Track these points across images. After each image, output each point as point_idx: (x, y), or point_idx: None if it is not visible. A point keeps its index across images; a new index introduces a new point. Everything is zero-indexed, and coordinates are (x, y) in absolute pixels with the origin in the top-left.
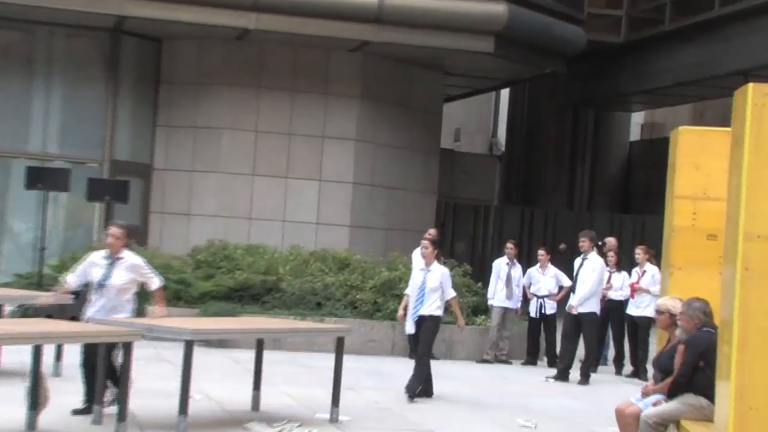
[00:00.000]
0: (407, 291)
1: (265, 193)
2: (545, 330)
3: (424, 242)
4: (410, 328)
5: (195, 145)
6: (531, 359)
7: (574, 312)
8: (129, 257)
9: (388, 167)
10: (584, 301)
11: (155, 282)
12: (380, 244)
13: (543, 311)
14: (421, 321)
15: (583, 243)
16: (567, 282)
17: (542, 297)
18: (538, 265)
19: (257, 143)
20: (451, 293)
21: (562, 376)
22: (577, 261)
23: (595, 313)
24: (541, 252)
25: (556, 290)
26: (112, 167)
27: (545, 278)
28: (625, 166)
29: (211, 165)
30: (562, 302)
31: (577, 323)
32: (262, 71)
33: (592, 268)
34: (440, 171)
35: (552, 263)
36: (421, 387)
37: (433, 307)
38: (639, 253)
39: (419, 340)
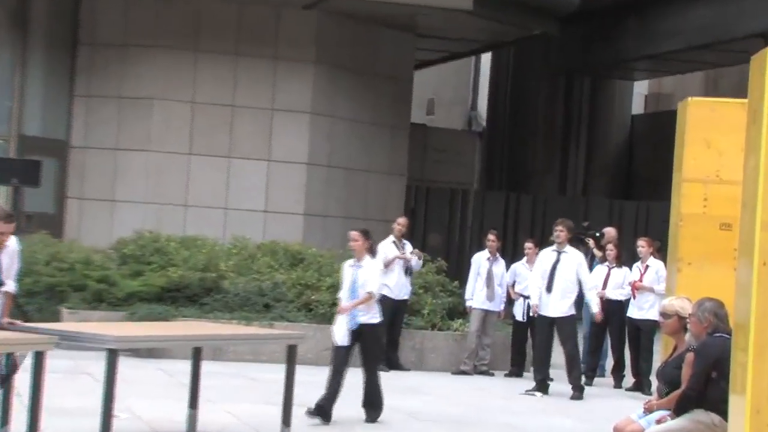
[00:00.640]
0: (341, 294)
1: (204, 176)
2: (533, 336)
3: (353, 234)
4: (342, 338)
5: (120, 118)
6: (516, 370)
7: (598, 319)
8: (12, 243)
9: (348, 145)
10: (569, 305)
11: (12, 285)
12: (339, 235)
13: (530, 314)
14: (361, 331)
15: (560, 233)
16: None
17: (529, 297)
18: (525, 259)
19: (194, 117)
20: (371, 287)
21: (542, 387)
22: (547, 253)
23: (574, 316)
24: (528, 245)
25: None
26: (21, 144)
27: (533, 275)
28: (627, 144)
29: (139, 142)
30: None
31: (551, 328)
32: (200, 32)
33: (576, 263)
34: (410, 149)
35: None
36: (320, 406)
37: (370, 314)
38: (642, 245)
39: (362, 357)
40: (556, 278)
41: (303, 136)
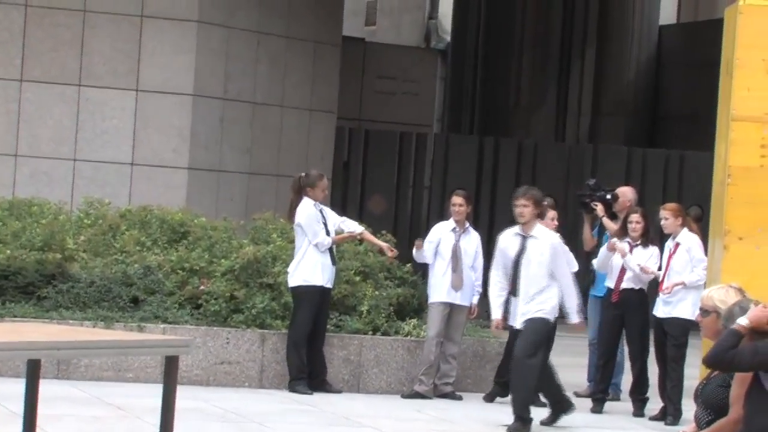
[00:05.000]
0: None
1: (43, 112)
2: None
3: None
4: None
5: None
6: (501, 390)
7: (578, 328)
8: None
9: (252, 69)
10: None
11: None
12: (240, 198)
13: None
14: None
15: (524, 209)
16: (574, 264)
17: None
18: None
19: (28, 27)
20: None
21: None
22: (508, 238)
23: (546, 321)
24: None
25: None
26: None
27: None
28: (652, 68)
29: None
30: None
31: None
32: None
33: (549, 251)
34: (342, 75)
35: None
36: None
37: None
38: (665, 216)
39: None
40: (522, 275)
41: (187, 57)
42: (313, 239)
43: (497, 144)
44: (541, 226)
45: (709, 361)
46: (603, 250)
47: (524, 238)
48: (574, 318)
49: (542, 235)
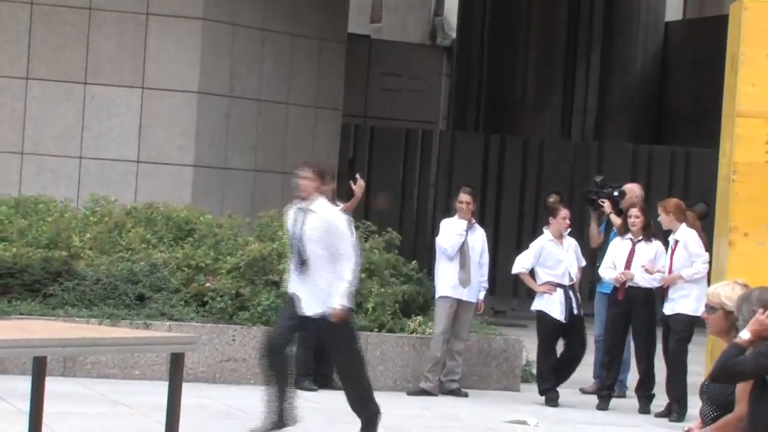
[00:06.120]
0: None
1: (49, 110)
2: (573, 341)
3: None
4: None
5: None
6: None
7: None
8: None
9: (258, 67)
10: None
11: None
12: (246, 195)
13: (574, 311)
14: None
15: (303, 180)
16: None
17: (568, 287)
18: (550, 230)
19: (34, 25)
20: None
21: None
22: (293, 210)
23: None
24: (565, 213)
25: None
26: None
27: (567, 253)
28: (658, 65)
29: None
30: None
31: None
32: None
33: (321, 225)
34: (348, 73)
35: (536, 226)
36: None
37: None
38: (658, 212)
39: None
40: (308, 252)
41: (192, 54)
42: None
43: (503, 141)
44: (324, 201)
45: (715, 375)
46: (607, 270)
47: (304, 212)
48: (333, 302)
49: (321, 210)
